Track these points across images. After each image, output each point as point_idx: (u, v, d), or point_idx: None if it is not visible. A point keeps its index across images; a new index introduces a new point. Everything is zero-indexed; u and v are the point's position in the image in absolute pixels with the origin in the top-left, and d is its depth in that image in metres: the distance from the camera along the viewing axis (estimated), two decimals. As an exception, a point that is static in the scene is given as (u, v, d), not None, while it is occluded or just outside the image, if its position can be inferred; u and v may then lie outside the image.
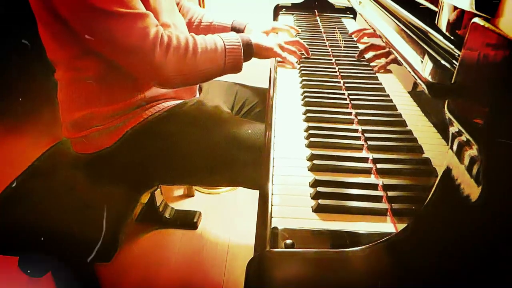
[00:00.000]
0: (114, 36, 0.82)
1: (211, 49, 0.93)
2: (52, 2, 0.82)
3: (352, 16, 1.52)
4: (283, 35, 1.25)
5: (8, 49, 0.86)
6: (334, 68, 1.02)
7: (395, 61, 0.88)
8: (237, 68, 0.98)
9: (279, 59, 1.07)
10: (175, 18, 1.03)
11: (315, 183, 0.59)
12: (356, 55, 1.09)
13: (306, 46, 1.09)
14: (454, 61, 0.55)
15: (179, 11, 1.20)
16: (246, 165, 0.93)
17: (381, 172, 0.62)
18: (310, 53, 1.10)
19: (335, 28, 1.37)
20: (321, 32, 1.33)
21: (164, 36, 0.87)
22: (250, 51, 0.99)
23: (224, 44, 0.95)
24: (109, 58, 0.88)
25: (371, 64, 1.04)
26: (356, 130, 0.74)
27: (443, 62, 0.58)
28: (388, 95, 0.85)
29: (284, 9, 1.56)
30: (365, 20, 1.09)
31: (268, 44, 1.03)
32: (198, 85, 1.17)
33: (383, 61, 0.98)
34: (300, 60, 1.07)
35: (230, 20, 1.23)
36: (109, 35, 0.82)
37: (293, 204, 0.56)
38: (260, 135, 0.94)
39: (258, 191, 0.63)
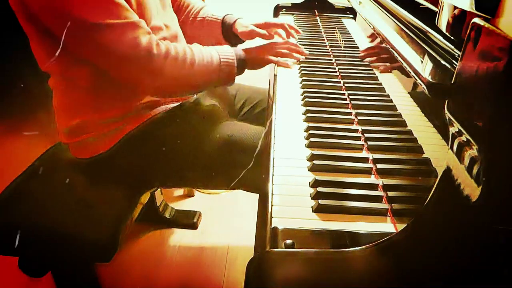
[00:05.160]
0: (106, 48, 0.82)
1: (208, 62, 0.94)
2: (42, 20, 0.81)
3: (352, 16, 1.52)
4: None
5: (8, 49, 0.85)
6: (334, 68, 1.02)
7: (399, 67, 0.87)
8: (229, 81, 0.99)
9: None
10: (166, 18, 1.02)
11: (315, 183, 0.59)
12: (356, 55, 1.09)
13: (298, 48, 1.08)
14: (454, 61, 0.55)
15: (180, 6, 1.20)
16: (243, 169, 0.93)
17: (381, 172, 0.62)
18: (310, 53, 1.10)
19: (335, 28, 1.37)
20: (321, 32, 1.33)
21: (161, 45, 0.87)
22: (243, 65, 1.00)
23: (220, 58, 0.95)
24: (104, 69, 0.87)
25: (372, 65, 1.03)
26: (356, 130, 0.74)
27: (443, 62, 0.58)
28: (388, 95, 0.85)
29: (284, 9, 1.56)
30: (365, 20, 1.09)
31: (260, 55, 1.04)
32: None
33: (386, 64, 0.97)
34: (300, 59, 1.07)
35: (223, 14, 1.21)
36: (101, 47, 0.82)
37: (293, 204, 0.56)
38: (257, 138, 0.94)
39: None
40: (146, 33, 0.85)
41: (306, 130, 0.74)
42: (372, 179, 0.62)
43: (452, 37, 0.58)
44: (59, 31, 0.81)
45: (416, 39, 0.70)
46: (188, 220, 1.54)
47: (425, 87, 0.56)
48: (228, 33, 1.18)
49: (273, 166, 0.64)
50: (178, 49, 0.90)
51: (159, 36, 0.95)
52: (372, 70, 0.99)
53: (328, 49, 1.15)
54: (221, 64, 0.96)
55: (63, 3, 0.77)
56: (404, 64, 0.68)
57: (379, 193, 0.58)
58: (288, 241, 0.48)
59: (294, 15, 1.52)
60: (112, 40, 0.81)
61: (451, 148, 0.42)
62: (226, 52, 0.97)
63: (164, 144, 0.97)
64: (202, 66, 0.93)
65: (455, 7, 0.55)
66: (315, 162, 0.64)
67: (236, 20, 1.18)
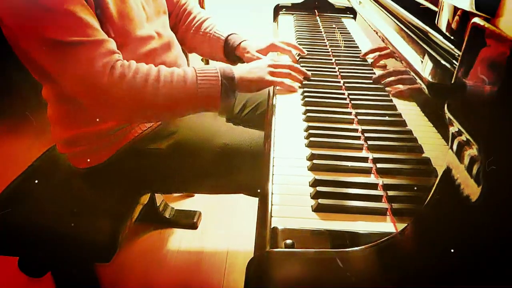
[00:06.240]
0: (62, 65, 0.78)
1: (178, 82, 0.83)
2: (13, 31, 0.79)
3: (352, 16, 1.52)
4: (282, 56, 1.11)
5: (9, 49, 0.85)
6: (334, 68, 1.02)
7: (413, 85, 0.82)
8: (212, 106, 0.86)
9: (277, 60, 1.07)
10: (159, 25, 0.99)
11: (315, 183, 0.59)
12: (356, 55, 1.09)
13: (302, 69, 0.94)
14: (454, 61, 0.55)
15: (180, 12, 1.18)
16: (241, 174, 0.92)
17: (381, 172, 0.62)
18: (310, 53, 1.10)
19: (335, 28, 1.37)
20: (321, 32, 1.33)
21: (117, 65, 0.79)
22: (231, 86, 0.87)
23: (197, 77, 0.84)
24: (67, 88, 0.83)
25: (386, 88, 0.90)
26: (356, 130, 0.74)
27: (443, 62, 0.58)
28: (388, 95, 0.85)
29: (284, 9, 1.56)
30: (365, 20, 1.09)
31: (257, 75, 0.89)
32: None
33: (401, 86, 0.84)
34: (300, 60, 1.07)
35: (229, 31, 1.13)
36: (60, 64, 0.78)
37: (293, 203, 0.56)
38: (253, 143, 0.93)
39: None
40: (104, 53, 0.79)
41: (306, 130, 0.74)
42: (372, 178, 0.62)
43: (452, 37, 0.58)
44: (25, 45, 0.80)
45: (416, 39, 0.70)
46: (188, 220, 1.54)
47: (425, 87, 0.56)
48: (230, 54, 1.11)
49: (273, 166, 0.64)
50: (141, 68, 0.82)
51: (149, 46, 0.92)
52: (372, 70, 0.99)
53: (328, 49, 1.15)
54: (198, 84, 0.83)
55: (29, 19, 0.75)
56: (404, 64, 0.68)
57: (379, 192, 0.58)
58: (288, 241, 0.48)
59: (294, 15, 1.52)
60: (69, 58, 0.77)
61: (451, 147, 0.42)
62: (206, 71, 0.85)
63: (160, 156, 0.96)
64: (170, 88, 0.82)
65: (455, 7, 0.55)
66: (315, 161, 0.64)
67: (240, 43, 1.10)
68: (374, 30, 0.96)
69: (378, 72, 0.96)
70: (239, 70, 0.89)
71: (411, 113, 0.74)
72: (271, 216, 0.53)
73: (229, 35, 1.12)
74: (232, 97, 0.88)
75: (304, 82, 0.93)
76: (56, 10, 0.75)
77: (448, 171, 0.42)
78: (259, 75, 0.90)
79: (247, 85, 0.90)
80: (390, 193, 0.57)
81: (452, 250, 0.39)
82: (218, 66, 0.87)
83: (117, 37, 0.85)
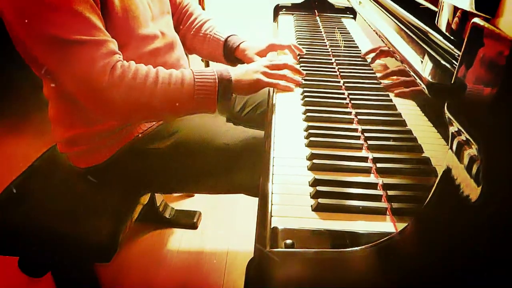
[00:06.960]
0: (64, 63, 0.78)
1: (175, 85, 0.84)
2: (13, 28, 0.79)
3: (352, 16, 1.52)
4: (281, 55, 1.11)
5: (9, 48, 0.85)
6: (334, 68, 1.02)
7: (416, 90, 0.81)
8: (209, 109, 0.87)
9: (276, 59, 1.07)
10: (163, 25, 0.99)
11: (314, 182, 0.59)
12: (356, 55, 1.09)
13: (298, 67, 0.96)
14: (454, 61, 0.55)
15: (181, 14, 1.18)
16: (241, 174, 0.92)
17: (381, 172, 0.62)
18: (310, 53, 1.10)
19: (335, 28, 1.37)
20: (321, 32, 1.33)
21: (118, 66, 0.80)
22: (227, 89, 0.87)
23: (194, 81, 0.85)
24: (65, 86, 0.84)
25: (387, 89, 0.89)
26: (355, 130, 0.74)
27: (443, 62, 0.58)
28: (388, 95, 0.85)
29: (284, 9, 1.56)
30: (365, 20, 1.09)
31: (253, 78, 0.90)
32: None
33: (400, 86, 0.84)
34: (300, 60, 1.07)
35: (229, 32, 1.13)
36: (61, 62, 0.78)
37: (293, 203, 0.56)
38: (254, 143, 0.93)
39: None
40: (106, 53, 0.79)
41: (306, 130, 0.74)
42: (372, 178, 0.62)
43: (452, 37, 0.58)
44: (27, 42, 0.79)
45: (416, 39, 0.70)
46: (188, 220, 1.54)
47: (425, 87, 0.57)
48: (229, 55, 1.12)
49: (273, 165, 0.64)
50: (140, 70, 0.83)
51: (153, 45, 0.92)
52: (372, 69, 0.99)
53: (328, 49, 1.15)
54: (196, 87, 0.85)
55: (32, 14, 0.74)
56: (404, 64, 0.68)
57: (379, 192, 0.58)
58: (288, 241, 0.48)
59: (294, 15, 1.52)
60: (70, 56, 0.77)
61: (451, 147, 0.42)
62: (204, 73, 0.87)
63: (161, 156, 0.96)
64: (167, 90, 0.83)
65: (455, 7, 0.55)
66: (314, 161, 0.64)
67: (239, 45, 1.10)
68: (374, 30, 0.96)
69: (378, 72, 0.97)
70: (236, 73, 0.90)
71: (411, 113, 0.74)
72: (271, 216, 0.53)
73: (228, 37, 1.12)
74: (229, 99, 0.89)
75: (304, 82, 0.93)
76: (61, 8, 0.75)
77: (448, 171, 0.42)
78: (255, 78, 0.90)
79: (243, 88, 0.90)
80: (390, 192, 0.57)
81: (452, 250, 0.39)
82: (215, 69, 0.88)
83: (121, 34, 0.85)
